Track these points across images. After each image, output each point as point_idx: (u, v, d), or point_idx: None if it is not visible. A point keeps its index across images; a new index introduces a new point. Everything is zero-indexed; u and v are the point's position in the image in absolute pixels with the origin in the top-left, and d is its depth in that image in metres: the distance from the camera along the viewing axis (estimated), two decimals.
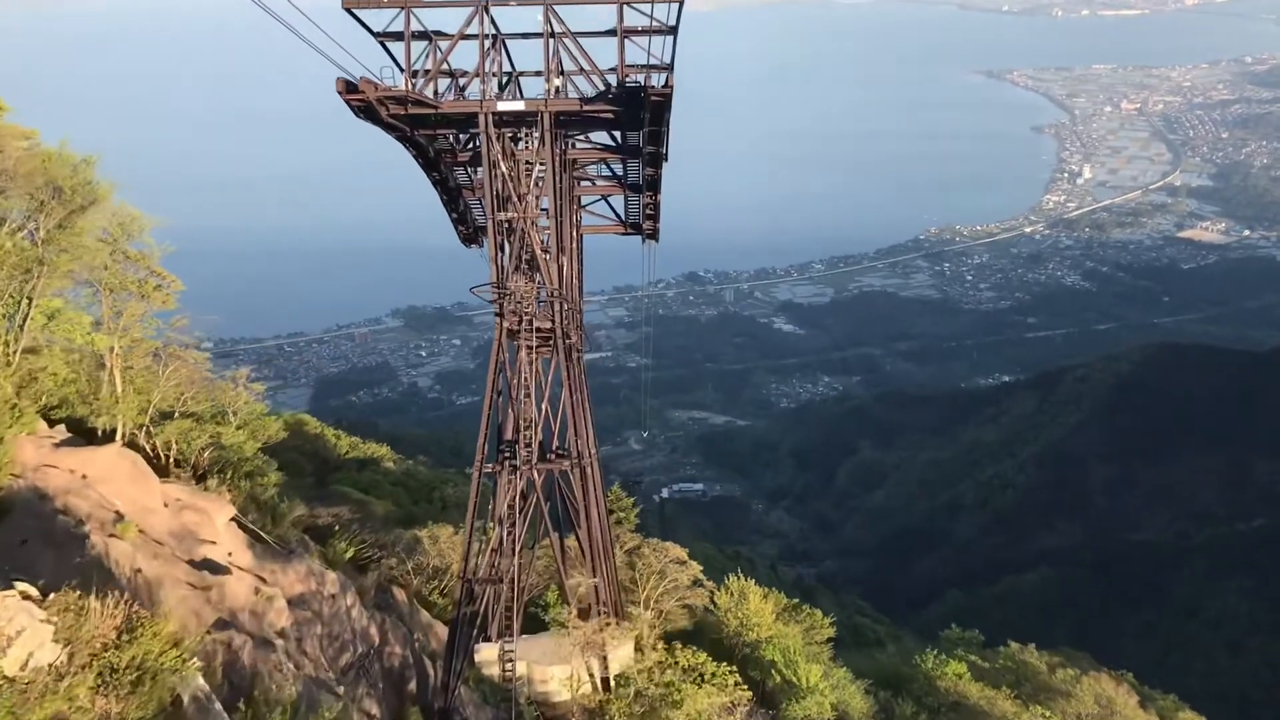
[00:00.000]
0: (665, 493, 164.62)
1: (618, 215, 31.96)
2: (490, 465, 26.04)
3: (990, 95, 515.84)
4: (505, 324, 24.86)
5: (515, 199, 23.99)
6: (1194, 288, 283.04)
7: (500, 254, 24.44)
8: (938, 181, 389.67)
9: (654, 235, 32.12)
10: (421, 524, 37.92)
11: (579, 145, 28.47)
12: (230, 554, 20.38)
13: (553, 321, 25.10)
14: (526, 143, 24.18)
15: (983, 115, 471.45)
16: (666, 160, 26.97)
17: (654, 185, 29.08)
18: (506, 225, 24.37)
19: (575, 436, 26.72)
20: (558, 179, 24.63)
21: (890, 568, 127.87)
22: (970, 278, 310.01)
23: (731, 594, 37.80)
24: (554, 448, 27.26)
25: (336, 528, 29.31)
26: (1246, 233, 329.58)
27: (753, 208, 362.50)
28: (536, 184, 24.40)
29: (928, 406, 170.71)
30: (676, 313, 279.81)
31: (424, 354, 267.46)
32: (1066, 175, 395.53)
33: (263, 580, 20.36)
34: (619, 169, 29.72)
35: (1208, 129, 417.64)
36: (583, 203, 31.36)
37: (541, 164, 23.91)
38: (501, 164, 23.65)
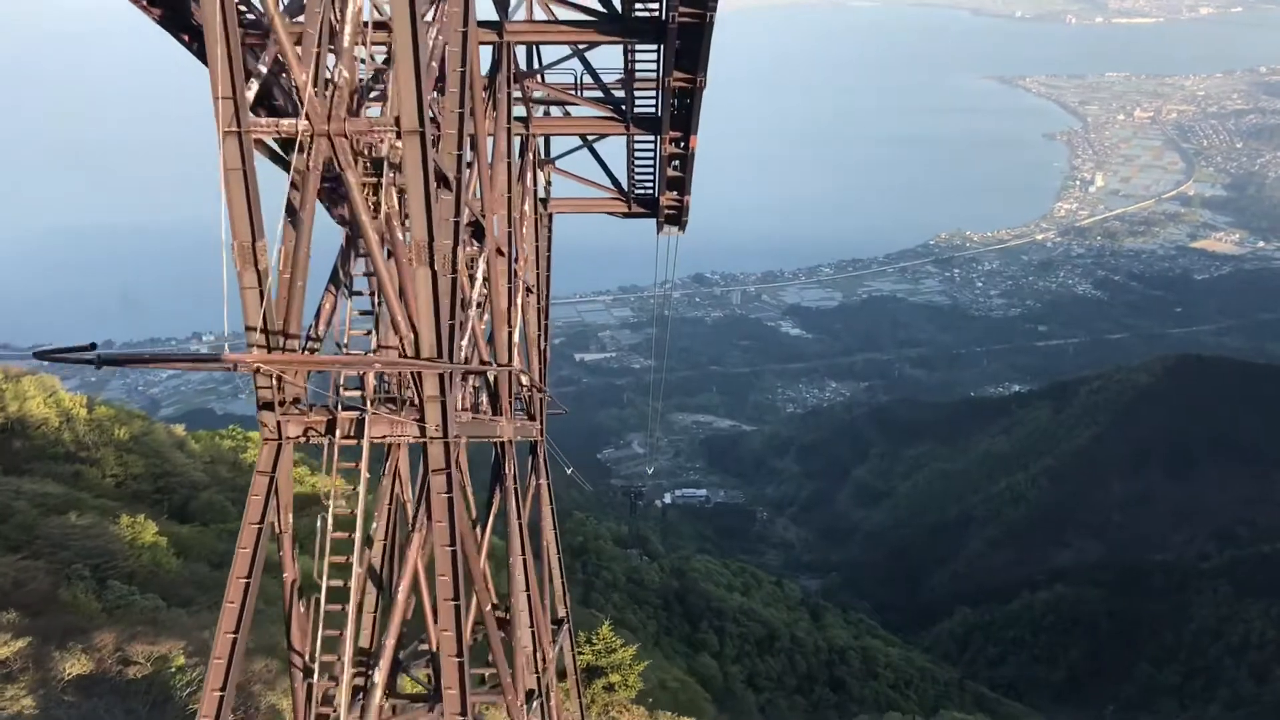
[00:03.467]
0: (668, 498, 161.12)
1: (614, 180, 18.98)
2: None
3: (1002, 102, 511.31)
4: (284, 424, 10.69)
5: (310, 95, 9.53)
6: (1207, 299, 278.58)
7: (256, 240, 9.93)
8: (949, 187, 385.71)
9: (679, 219, 19.55)
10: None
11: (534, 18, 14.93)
12: None
13: (443, 408, 10.59)
14: None
15: (994, 121, 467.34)
16: (704, 71, 13.95)
17: (684, 119, 15.72)
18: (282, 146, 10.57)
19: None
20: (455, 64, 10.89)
21: (899, 582, 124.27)
22: (980, 284, 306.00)
23: None
24: None
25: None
26: (1261, 244, 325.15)
27: (760, 209, 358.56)
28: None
29: (938, 415, 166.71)
30: (682, 314, 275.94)
31: None
32: (1078, 183, 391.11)
33: None
34: (619, 92, 16.55)
35: (1222, 139, 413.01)
36: (550, 154, 18.73)
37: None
38: None
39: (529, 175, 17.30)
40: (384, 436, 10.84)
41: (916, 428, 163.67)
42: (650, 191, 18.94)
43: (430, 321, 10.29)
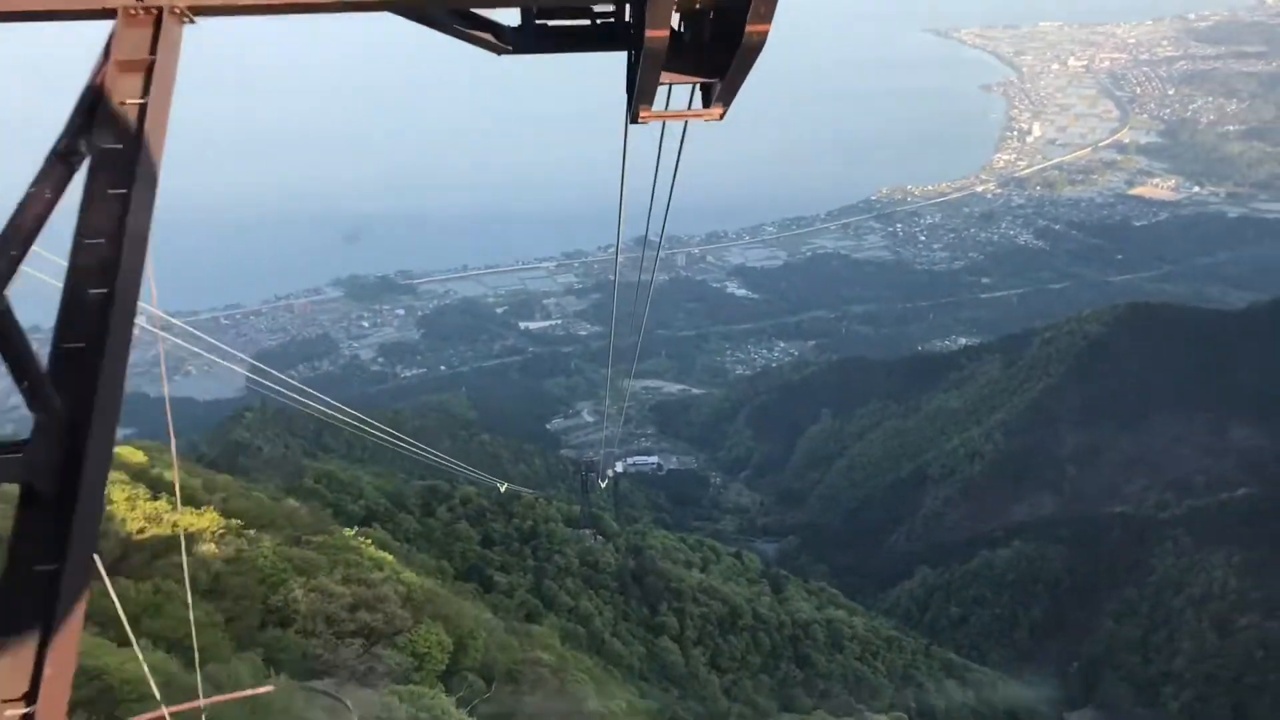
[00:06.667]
0: (619, 467, 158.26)
1: None
2: None
3: (939, 54, 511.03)
4: None
5: None
6: (1147, 245, 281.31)
7: None
8: (888, 141, 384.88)
9: (721, 63, 4.77)
10: None
11: None
12: None
13: None
14: None
15: (932, 74, 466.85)
16: None
17: None
18: None
19: None
20: None
21: (856, 543, 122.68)
22: (923, 238, 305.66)
23: None
24: None
25: None
26: (1196, 189, 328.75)
27: (701, 168, 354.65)
28: None
29: (888, 372, 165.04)
30: (626, 278, 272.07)
31: (366, 325, 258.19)
32: (1016, 133, 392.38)
33: None
34: None
35: (1154, 86, 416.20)
36: None
37: None
38: None
39: None
40: None
41: (867, 385, 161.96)
42: None
43: None
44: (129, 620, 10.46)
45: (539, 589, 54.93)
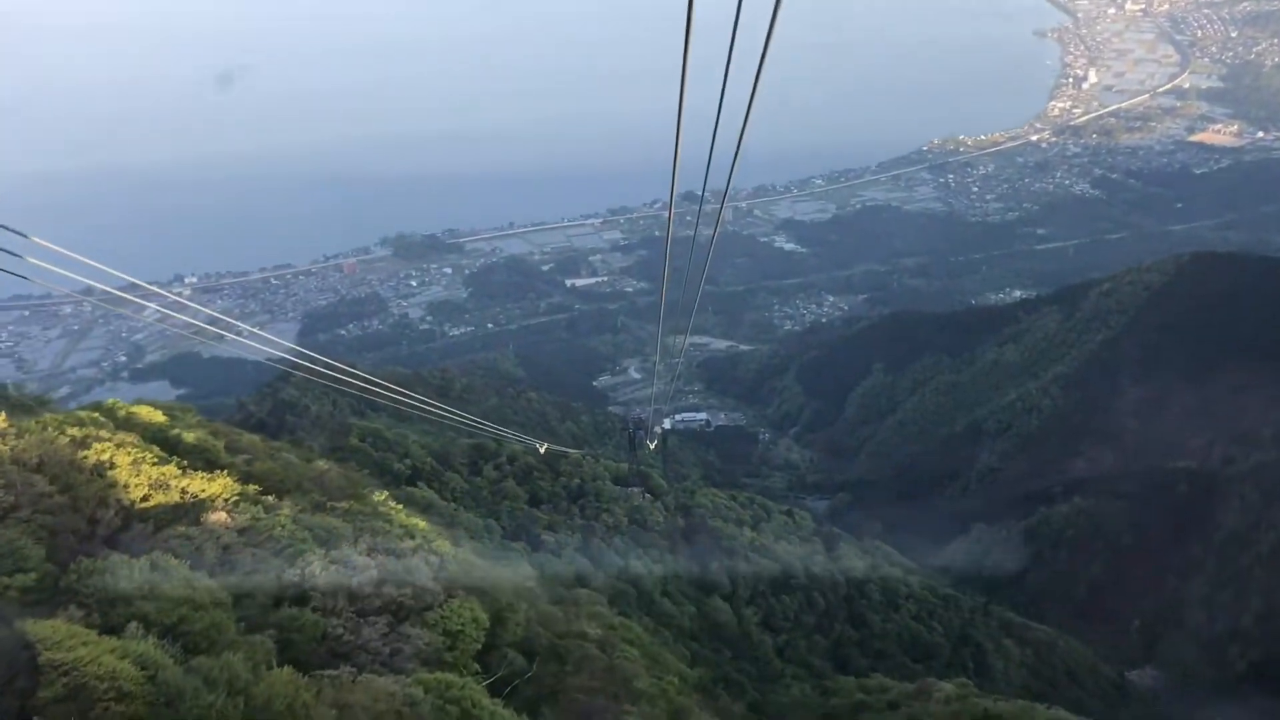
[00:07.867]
0: (667, 423, 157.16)
1: None
2: None
3: (990, 2, 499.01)
4: None
5: None
6: (1207, 193, 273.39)
7: None
8: (940, 91, 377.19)
9: None
10: None
11: None
12: None
13: None
14: None
15: (983, 21, 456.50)
16: None
17: None
18: None
19: None
20: None
21: (909, 500, 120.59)
22: (976, 189, 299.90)
23: None
24: None
25: None
26: (1260, 134, 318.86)
27: (750, 121, 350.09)
28: None
29: (942, 326, 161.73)
30: (673, 233, 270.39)
31: (415, 284, 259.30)
32: (1071, 81, 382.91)
33: None
34: None
35: (1216, 28, 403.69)
36: None
37: None
38: None
39: None
40: None
41: (920, 339, 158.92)
42: None
43: None
44: (119, 601, 9.28)
45: (587, 548, 53.97)
